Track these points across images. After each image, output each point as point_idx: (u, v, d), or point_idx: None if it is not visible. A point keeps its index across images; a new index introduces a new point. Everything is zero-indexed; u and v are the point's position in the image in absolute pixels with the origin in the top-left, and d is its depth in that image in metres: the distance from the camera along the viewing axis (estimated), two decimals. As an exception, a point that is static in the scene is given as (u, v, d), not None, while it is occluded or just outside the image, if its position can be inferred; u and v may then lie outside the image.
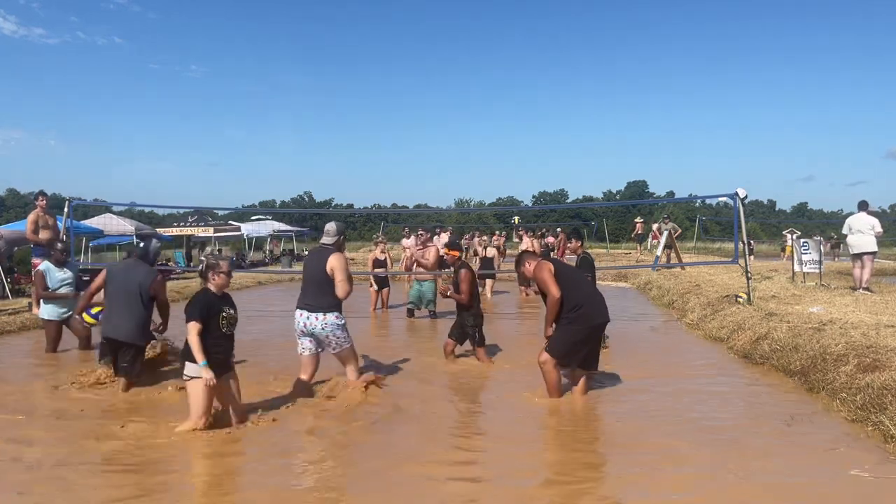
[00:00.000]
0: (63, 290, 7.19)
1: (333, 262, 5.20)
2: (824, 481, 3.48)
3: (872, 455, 3.80)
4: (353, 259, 18.91)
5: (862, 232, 10.78)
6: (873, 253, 10.84)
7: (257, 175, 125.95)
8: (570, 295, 5.10)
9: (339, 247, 5.47)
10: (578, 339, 5.08)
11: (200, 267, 4.59)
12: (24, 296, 11.23)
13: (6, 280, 11.57)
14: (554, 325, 5.18)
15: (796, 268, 12.65)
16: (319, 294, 5.24)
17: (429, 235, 10.74)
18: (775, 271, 15.19)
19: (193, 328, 4.28)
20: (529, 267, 5.34)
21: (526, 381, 5.61)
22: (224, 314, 4.43)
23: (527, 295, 13.67)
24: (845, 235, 11.24)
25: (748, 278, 9.46)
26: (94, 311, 6.11)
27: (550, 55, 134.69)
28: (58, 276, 7.27)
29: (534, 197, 77.35)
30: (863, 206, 11.06)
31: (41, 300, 7.21)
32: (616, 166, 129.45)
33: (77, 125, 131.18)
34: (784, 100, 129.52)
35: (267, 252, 30.76)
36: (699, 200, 45.05)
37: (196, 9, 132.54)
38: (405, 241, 14.21)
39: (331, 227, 5.45)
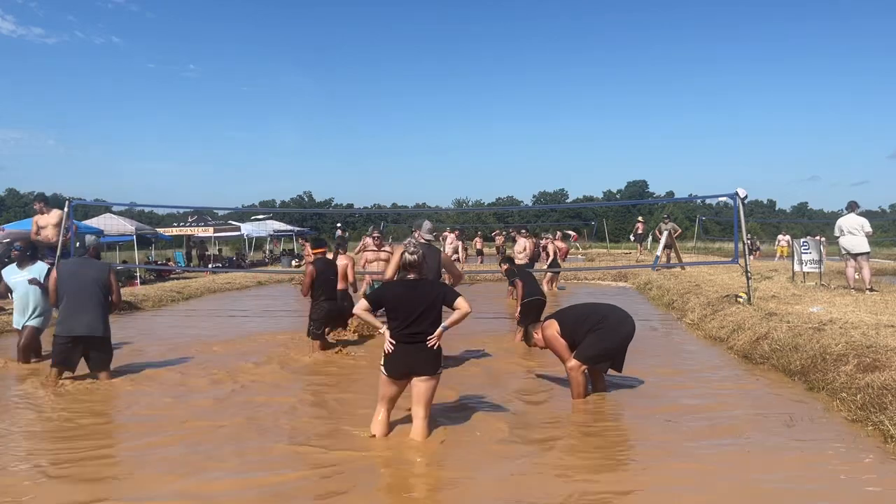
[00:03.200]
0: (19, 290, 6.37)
1: (446, 258, 6.18)
2: (824, 481, 3.48)
3: (872, 455, 3.80)
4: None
5: (853, 233, 10.76)
6: (867, 253, 10.82)
7: (257, 175, 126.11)
8: (586, 323, 5.17)
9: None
10: (608, 346, 5.13)
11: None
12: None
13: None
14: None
15: (796, 268, 12.65)
16: None
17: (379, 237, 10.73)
18: (775, 271, 15.19)
19: None
20: (539, 336, 5.41)
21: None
22: None
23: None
24: (836, 237, 11.20)
25: (748, 278, 9.46)
26: None
27: (550, 56, 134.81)
28: (12, 280, 6.41)
29: (534, 197, 77.55)
30: (852, 206, 11.00)
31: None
32: (616, 166, 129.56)
33: (76, 125, 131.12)
34: (787, 100, 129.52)
35: (267, 252, 30.82)
36: (699, 200, 45.06)
37: (194, 8, 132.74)
38: (366, 240, 13.64)
39: (429, 224, 6.14)
